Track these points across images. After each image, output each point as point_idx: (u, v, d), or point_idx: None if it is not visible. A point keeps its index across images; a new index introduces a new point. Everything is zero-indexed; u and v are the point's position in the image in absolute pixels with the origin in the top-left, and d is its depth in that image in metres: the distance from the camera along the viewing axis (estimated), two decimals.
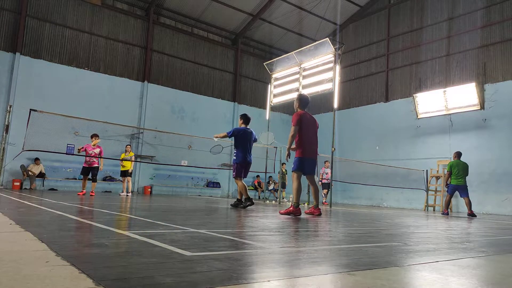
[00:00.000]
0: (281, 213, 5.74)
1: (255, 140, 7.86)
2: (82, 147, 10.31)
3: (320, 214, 5.95)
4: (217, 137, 7.98)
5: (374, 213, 8.82)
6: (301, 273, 1.55)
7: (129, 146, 12.41)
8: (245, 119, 7.82)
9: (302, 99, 6.39)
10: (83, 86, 14.73)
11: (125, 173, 11.94)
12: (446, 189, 10.34)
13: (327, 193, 13.73)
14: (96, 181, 10.70)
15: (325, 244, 2.64)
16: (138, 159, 15.55)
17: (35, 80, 13.78)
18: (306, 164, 6.02)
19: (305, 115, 6.14)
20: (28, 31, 13.92)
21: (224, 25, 18.93)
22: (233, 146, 7.92)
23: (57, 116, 10.53)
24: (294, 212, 5.62)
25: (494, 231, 4.97)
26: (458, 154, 10.18)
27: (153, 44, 16.87)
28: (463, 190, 9.82)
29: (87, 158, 10.30)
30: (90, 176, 10.47)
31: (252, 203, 7.32)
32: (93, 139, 10.29)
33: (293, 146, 6.10)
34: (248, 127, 7.75)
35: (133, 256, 1.77)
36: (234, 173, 7.58)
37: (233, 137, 7.71)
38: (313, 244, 2.57)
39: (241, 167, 7.50)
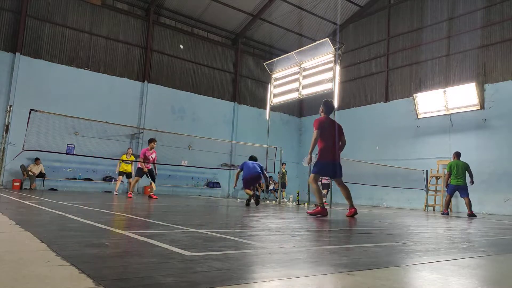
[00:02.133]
0: (309, 213, 6.04)
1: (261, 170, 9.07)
2: (141, 153, 10.28)
3: (356, 213, 6.28)
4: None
5: (374, 213, 8.82)
6: (301, 273, 1.55)
7: (130, 149, 12.45)
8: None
9: (326, 105, 6.67)
10: (83, 86, 14.73)
11: (126, 175, 12.15)
12: (446, 189, 10.33)
13: (327, 193, 13.73)
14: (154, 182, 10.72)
15: (325, 244, 2.64)
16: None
17: (35, 80, 13.77)
18: (324, 167, 6.27)
19: (325, 120, 6.40)
20: (28, 31, 13.92)
21: (224, 25, 18.93)
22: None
23: (57, 116, 10.53)
24: (322, 213, 5.86)
25: (494, 231, 4.97)
26: (457, 154, 10.18)
27: (153, 44, 16.87)
28: (463, 190, 9.79)
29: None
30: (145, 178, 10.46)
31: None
32: (153, 143, 10.17)
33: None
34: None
35: (133, 256, 1.77)
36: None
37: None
38: (313, 244, 2.57)
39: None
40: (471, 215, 9.58)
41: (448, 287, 1.46)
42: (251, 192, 8.85)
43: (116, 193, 12.07)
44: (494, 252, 2.68)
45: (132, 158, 12.36)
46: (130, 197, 9.88)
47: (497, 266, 2.15)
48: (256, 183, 9.74)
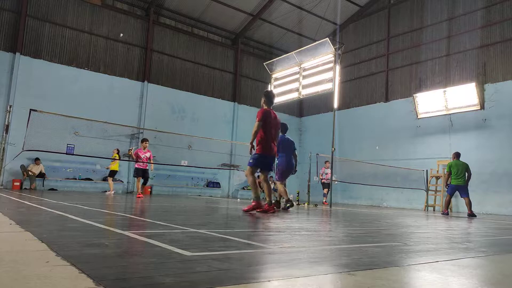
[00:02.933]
0: (244, 210, 5.77)
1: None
2: (134, 153, 10.66)
3: (273, 212, 5.88)
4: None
5: (374, 213, 8.82)
6: (301, 273, 1.55)
7: (115, 150, 12.57)
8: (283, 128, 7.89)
9: (268, 96, 6.38)
10: (83, 86, 14.73)
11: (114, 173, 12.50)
12: (446, 189, 10.33)
13: (327, 192, 13.73)
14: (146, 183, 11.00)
15: (325, 244, 2.64)
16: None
17: (35, 80, 13.77)
18: (264, 161, 6.05)
19: (270, 112, 6.16)
20: (28, 31, 13.92)
21: (224, 25, 18.93)
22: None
23: (57, 116, 10.54)
24: (257, 207, 5.69)
25: (494, 231, 4.97)
26: (457, 155, 10.21)
27: (153, 44, 16.86)
28: (463, 190, 9.82)
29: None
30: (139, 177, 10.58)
31: (292, 205, 7.62)
32: (145, 143, 10.56)
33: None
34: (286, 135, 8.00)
35: (133, 256, 1.77)
36: (277, 177, 7.86)
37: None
38: (313, 244, 2.57)
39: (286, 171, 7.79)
40: (471, 215, 9.59)
41: (448, 287, 1.46)
42: (286, 191, 7.62)
43: (110, 192, 12.10)
44: (494, 252, 2.68)
45: (115, 155, 12.50)
46: (140, 196, 10.08)
47: (497, 266, 2.15)
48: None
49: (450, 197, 10.10)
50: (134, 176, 10.85)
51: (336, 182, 12.91)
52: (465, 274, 1.74)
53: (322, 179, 13.73)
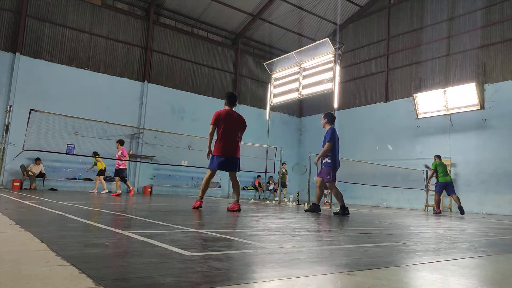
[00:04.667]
0: (228, 209, 5.96)
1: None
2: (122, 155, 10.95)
3: (239, 210, 5.91)
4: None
5: (374, 213, 8.82)
6: (301, 273, 1.54)
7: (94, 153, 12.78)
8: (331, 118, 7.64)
9: (228, 97, 6.67)
10: (83, 86, 14.72)
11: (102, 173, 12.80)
12: (434, 188, 10.54)
13: (328, 193, 13.72)
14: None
15: (325, 244, 2.64)
16: (138, 159, 15.56)
17: (35, 80, 13.77)
18: (221, 161, 6.07)
19: (227, 113, 6.32)
20: (28, 31, 13.91)
21: (224, 25, 18.93)
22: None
23: (57, 116, 10.52)
24: (197, 206, 5.93)
25: (494, 231, 4.97)
26: (439, 157, 10.71)
27: (153, 44, 16.86)
28: (451, 187, 10.23)
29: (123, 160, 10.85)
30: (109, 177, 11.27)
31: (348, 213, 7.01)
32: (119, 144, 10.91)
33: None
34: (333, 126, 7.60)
35: (133, 256, 1.77)
36: (328, 177, 7.24)
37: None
38: (313, 244, 2.57)
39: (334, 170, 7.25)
40: (461, 208, 9.85)
41: (448, 287, 1.46)
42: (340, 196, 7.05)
43: (99, 192, 12.26)
44: (494, 252, 2.68)
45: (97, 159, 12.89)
46: (119, 195, 10.48)
47: (497, 266, 2.15)
48: None
49: (439, 195, 10.36)
50: (120, 176, 11.02)
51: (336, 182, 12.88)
52: (465, 274, 1.74)
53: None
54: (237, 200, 6.10)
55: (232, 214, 5.44)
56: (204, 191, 6.16)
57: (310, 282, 1.40)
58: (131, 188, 11.21)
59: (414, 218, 7.25)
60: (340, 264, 1.83)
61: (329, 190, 13.74)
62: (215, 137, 6.17)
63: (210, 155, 6.14)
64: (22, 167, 13.20)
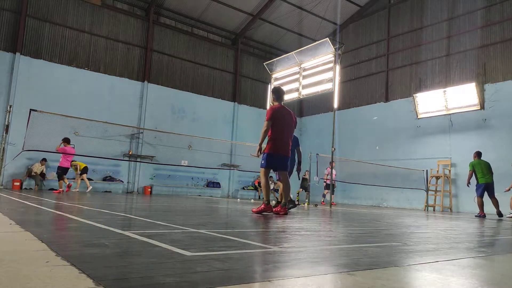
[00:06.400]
0: (254, 212, 5.59)
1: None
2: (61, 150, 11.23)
3: (286, 214, 5.65)
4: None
5: (374, 213, 8.82)
6: (301, 273, 1.54)
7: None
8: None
9: (277, 92, 6.06)
10: (83, 86, 14.72)
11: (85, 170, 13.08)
12: (476, 189, 9.85)
13: (327, 193, 13.73)
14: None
15: (325, 244, 2.64)
16: (138, 159, 15.56)
17: (35, 80, 13.77)
18: (276, 160, 5.75)
19: (279, 109, 5.86)
20: (28, 31, 13.91)
21: (224, 25, 18.93)
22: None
23: (57, 116, 10.54)
24: (266, 209, 5.52)
25: (494, 231, 4.98)
26: (478, 154, 9.99)
27: (153, 44, 16.86)
28: (492, 189, 9.57)
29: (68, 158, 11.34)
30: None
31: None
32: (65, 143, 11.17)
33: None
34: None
35: (133, 256, 1.77)
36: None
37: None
38: (313, 244, 2.57)
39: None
40: (500, 213, 9.39)
41: (448, 287, 1.46)
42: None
43: (83, 189, 12.48)
44: (494, 252, 2.68)
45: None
46: (60, 192, 10.74)
47: (497, 266, 2.15)
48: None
49: (482, 198, 9.60)
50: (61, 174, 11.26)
51: (335, 182, 12.90)
52: (465, 274, 1.74)
53: (327, 179, 13.63)
54: (285, 204, 5.74)
55: (232, 214, 5.43)
56: (268, 193, 5.67)
57: (310, 282, 1.40)
58: (62, 189, 11.29)
59: (414, 218, 7.25)
60: (340, 264, 1.83)
61: (328, 191, 13.75)
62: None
63: (262, 154, 5.73)
64: (29, 169, 13.19)
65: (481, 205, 9.61)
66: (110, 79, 15.53)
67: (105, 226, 2.98)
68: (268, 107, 14.43)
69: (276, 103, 5.95)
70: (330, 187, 11.94)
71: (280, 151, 5.76)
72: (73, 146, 11.78)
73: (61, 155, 11.08)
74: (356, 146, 17.56)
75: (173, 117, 17.02)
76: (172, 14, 17.60)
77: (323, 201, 13.74)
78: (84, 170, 13.24)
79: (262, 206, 5.55)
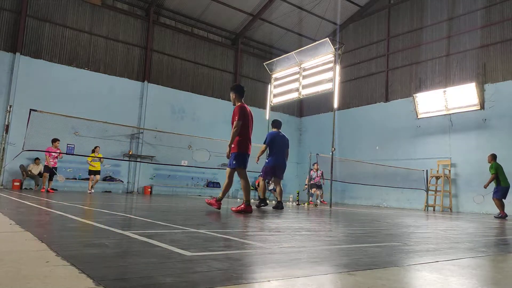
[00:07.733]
0: (233, 210, 5.67)
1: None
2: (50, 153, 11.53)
3: (250, 212, 5.66)
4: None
5: (374, 213, 8.82)
6: (301, 273, 1.55)
7: (98, 147, 12.69)
8: (276, 124, 8.28)
9: (240, 90, 5.98)
10: (83, 86, 14.72)
11: (94, 172, 12.75)
12: (495, 193, 9.75)
13: (315, 192, 13.76)
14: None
15: (325, 244, 2.64)
16: (138, 159, 15.56)
17: (35, 80, 13.77)
18: (245, 159, 5.78)
19: (245, 108, 5.83)
20: (28, 31, 13.91)
21: (224, 25, 18.93)
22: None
23: (57, 116, 10.53)
24: (246, 210, 5.59)
25: (494, 231, 4.98)
26: (495, 157, 10.05)
27: (153, 44, 16.86)
28: (507, 191, 9.64)
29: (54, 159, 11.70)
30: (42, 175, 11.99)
31: (266, 204, 7.72)
32: (56, 143, 11.43)
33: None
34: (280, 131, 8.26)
35: (133, 256, 1.77)
36: (262, 174, 8.03)
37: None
38: (313, 244, 2.57)
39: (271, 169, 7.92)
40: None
41: (448, 287, 1.46)
42: (265, 190, 7.70)
43: (90, 191, 12.29)
44: (494, 252, 2.68)
45: (100, 155, 12.74)
46: (51, 191, 11.10)
47: (497, 266, 2.15)
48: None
49: (500, 200, 9.57)
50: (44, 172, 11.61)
51: (323, 181, 13.04)
52: (465, 274, 1.74)
53: (311, 183, 13.53)
54: (248, 202, 5.77)
55: (232, 214, 5.44)
56: (249, 193, 5.79)
57: (310, 282, 1.40)
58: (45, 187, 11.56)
59: (414, 218, 7.25)
60: (340, 264, 1.83)
61: (315, 189, 13.75)
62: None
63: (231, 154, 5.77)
64: (22, 167, 13.19)
65: (501, 206, 9.57)
66: (110, 79, 15.53)
67: (105, 226, 2.98)
68: (268, 107, 14.50)
69: (238, 102, 5.89)
70: (317, 186, 12.05)
71: (247, 150, 5.83)
72: (58, 143, 11.69)
73: (50, 155, 11.39)
74: (356, 146, 17.56)
75: (173, 117, 17.02)
76: (172, 14, 17.60)
77: (311, 201, 13.69)
78: (92, 172, 12.92)
79: (242, 206, 5.65)
